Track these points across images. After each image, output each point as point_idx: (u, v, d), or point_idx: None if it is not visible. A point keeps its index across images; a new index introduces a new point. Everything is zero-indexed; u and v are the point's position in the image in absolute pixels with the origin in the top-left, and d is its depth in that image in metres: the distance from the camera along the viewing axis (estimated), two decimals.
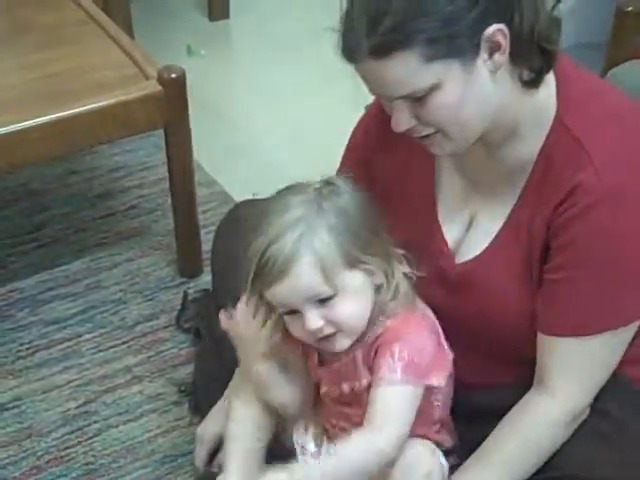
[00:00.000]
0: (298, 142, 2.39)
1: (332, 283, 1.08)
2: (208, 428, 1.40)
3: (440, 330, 1.18)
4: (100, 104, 1.65)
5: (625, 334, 1.13)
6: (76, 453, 1.58)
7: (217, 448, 1.38)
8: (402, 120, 1.08)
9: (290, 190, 1.14)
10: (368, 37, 1.01)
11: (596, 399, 1.15)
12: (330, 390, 1.22)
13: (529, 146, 1.12)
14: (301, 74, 2.72)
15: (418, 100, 1.05)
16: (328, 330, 1.11)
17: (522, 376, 1.18)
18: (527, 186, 1.14)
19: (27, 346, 1.78)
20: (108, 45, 1.84)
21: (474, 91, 1.05)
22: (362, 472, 1.11)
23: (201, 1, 3.06)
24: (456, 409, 1.25)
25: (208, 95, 2.53)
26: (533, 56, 1.07)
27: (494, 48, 1.04)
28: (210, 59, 2.81)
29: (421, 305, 1.19)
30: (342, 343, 1.14)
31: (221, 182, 2.23)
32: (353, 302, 1.11)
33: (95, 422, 1.63)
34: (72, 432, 1.61)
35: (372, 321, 1.15)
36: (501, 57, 1.04)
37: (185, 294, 1.86)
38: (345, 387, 1.19)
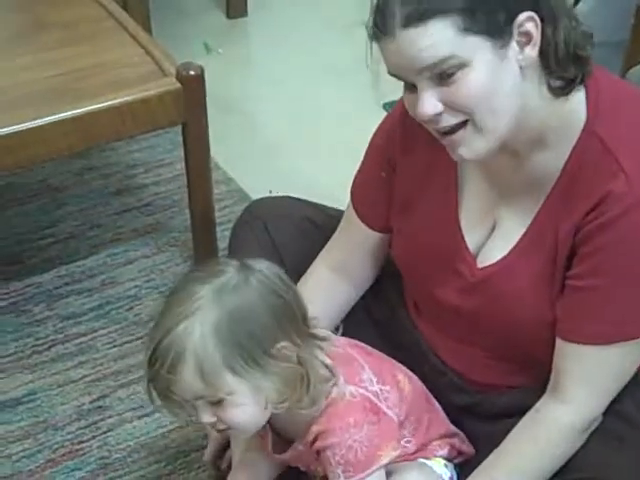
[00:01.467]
0: (315, 140, 2.39)
1: (214, 388, 1.05)
2: None
3: (379, 393, 1.15)
4: (119, 101, 1.66)
5: None
6: (90, 447, 1.59)
7: (227, 444, 1.39)
8: (429, 103, 1.04)
9: (205, 275, 1.09)
10: (403, 5, 1.00)
11: (613, 400, 1.14)
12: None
13: (556, 155, 1.11)
14: (318, 72, 2.72)
15: (447, 79, 1.02)
16: (221, 426, 1.10)
17: (538, 379, 1.17)
18: (552, 194, 1.13)
19: (43, 341, 1.79)
20: (127, 42, 1.85)
21: (503, 80, 1.04)
22: None
23: None
24: (474, 410, 1.26)
25: (225, 93, 2.54)
26: (567, 63, 1.06)
27: (525, 41, 1.03)
28: (227, 57, 2.81)
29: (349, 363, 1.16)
30: (241, 436, 1.19)
31: (237, 179, 2.23)
32: (241, 409, 1.07)
33: (109, 417, 1.64)
34: (87, 426, 1.62)
35: (301, 421, 1.12)
36: (532, 52, 1.04)
37: None
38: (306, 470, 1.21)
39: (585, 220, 1.08)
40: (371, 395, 1.13)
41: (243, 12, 3.02)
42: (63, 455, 1.57)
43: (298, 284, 1.36)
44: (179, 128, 1.79)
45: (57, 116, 1.62)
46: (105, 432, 1.61)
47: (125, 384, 1.70)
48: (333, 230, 1.39)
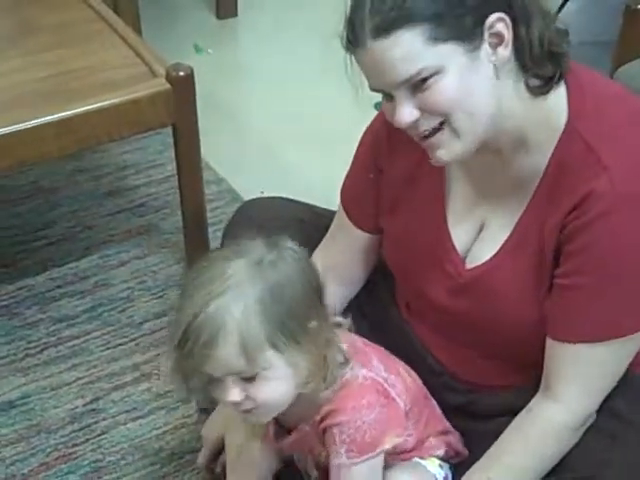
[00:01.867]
0: (306, 139, 2.40)
1: (253, 363, 1.04)
2: (211, 429, 1.41)
3: (387, 379, 1.16)
4: (109, 102, 1.65)
5: (635, 341, 1.12)
6: (84, 450, 1.58)
7: (221, 448, 1.38)
8: (405, 112, 1.06)
9: (229, 253, 1.08)
10: (372, 16, 1.01)
11: (605, 398, 1.14)
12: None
13: (539, 154, 1.11)
14: (309, 72, 2.72)
15: (421, 86, 1.03)
16: (247, 405, 1.09)
17: (531, 378, 1.18)
18: (537, 193, 1.13)
19: (35, 343, 1.79)
20: (117, 44, 1.85)
21: (478, 81, 1.04)
22: None
23: None
24: (468, 409, 1.26)
25: (216, 93, 2.53)
26: (543, 61, 1.07)
27: (497, 41, 1.04)
28: (217, 57, 2.81)
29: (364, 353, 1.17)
30: (262, 418, 1.15)
31: (229, 180, 2.23)
32: (274, 385, 1.07)
33: (103, 419, 1.64)
34: (80, 429, 1.62)
35: (313, 403, 1.13)
36: (505, 51, 1.04)
37: None
38: (309, 457, 1.21)
39: (568, 218, 1.09)
40: (382, 380, 1.15)
41: (233, 12, 3.02)
42: (57, 459, 1.57)
43: None
44: (170, 129, 1.79)
45: (48, 118, 1.62)
46: (99, 435, 1.61)
47: (119, 386, 1.70)
48: (325, 231, 1.40)
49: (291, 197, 1.57)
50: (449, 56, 1.02)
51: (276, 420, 1.20)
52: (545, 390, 1.15)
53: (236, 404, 1.08)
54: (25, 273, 1.95)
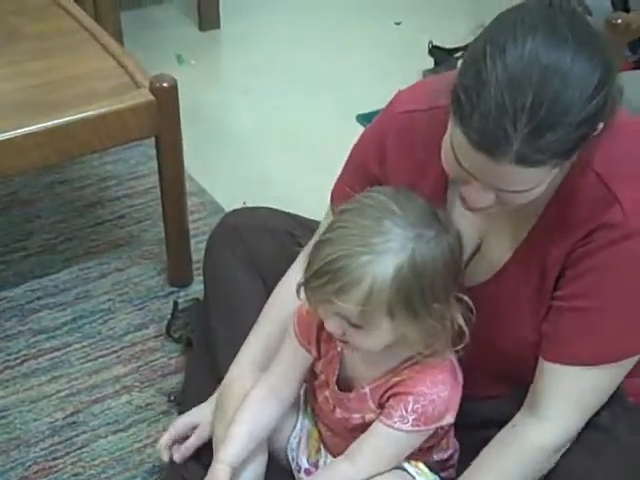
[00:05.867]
0: (288, 151, 2.40)
1: (364, 320, 1.07)
2: (187, 414, 1.40)
3: (456, 361, 1.18)
4: (92, 113, 1.65)
5: (626, 365, 1.12)
6: (64, 464, 1.57)
7: (187, 437, 1.38)
8: (484, 199, 1.03)
9: (397, 209, 1.07)
10: (523, 145, 0.93)
11: None
12: (342, 418, 1.23)
13: (548, 186, 1.07)
14: (291, 83, 2.72)
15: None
16: (341, 337, 1.12)
17: (520, 390, 1.17)
18: (541, 222, 1.12)
19: (15, 356, 1.77)
20: (100, 54, 1.84)
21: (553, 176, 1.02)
22: None
23: (191, 11, 3.07)
24: (457, 419, 1.26)
25: (198, 104, 2.53)
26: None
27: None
28: (200, 68, 2.81)
29: None
30: (352, 350, 1.16)
31: (211, 191, 2.23)
32: (371, 338, 1.10)
33: (83, 432, 1.62)
34: (60, 442, 1.60)
35: (397, 367, 1.16)
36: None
37: (175, 303, 1.86)
38: (356, 417, 1.21)
39: (576, 245, 1.08)
40: (454, 361, 1.17)
41: (216, 24, 3.03)
42: (36, 472, 1.55)
43: (276, 289, 1.37)
44: (152, 140, 1.78)
45: (30, 128, 1.61)
46: (79, 448, 1.59)
47: (99, 399, 1.68)
48: (308, 240, 1.39)
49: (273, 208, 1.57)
50: (556, 170, 1.00)
51: (338, 375, 1.22)
52: (531, 408, 1.14)
53: (334, 333, 1.12)
54: (4, 285, 1.93)
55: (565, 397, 1.12)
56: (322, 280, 1.05)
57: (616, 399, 1.15)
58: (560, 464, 1.14)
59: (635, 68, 2.31)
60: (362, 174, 1.27)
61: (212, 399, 1.39)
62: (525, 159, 0.94)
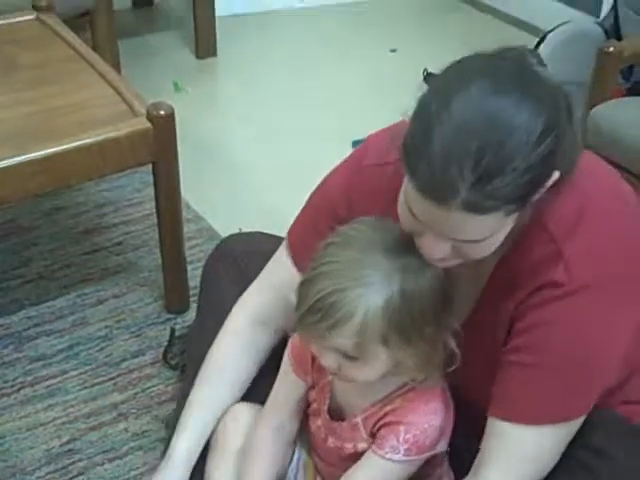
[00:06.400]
0: (285, 177, 2.41)
1: (359, 351, 1.07)
2: None
3: (447, 388, 1.18)
4: (89, 141, 1.65)
5: (569, 428, 1.11)
6: None
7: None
8: (440, 250, 1.03)
9: (383, 242, 1.08)
10: (470, 192, 0.93)
11: (579, 433, 1.13)
12: (335, 447, 1.23)
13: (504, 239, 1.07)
14: (287, 110, 2.74)
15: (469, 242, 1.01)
16: (336, 371, 1.13)
17: None
18: (494, 274, 1.13)
19: (11, 383, 1.77)
20: (97, 82, 1.86)
21: (512, 225, 1.03)
22: None
23: (188, 39, 3.09)
24: None
25: (195, 132, 2.55)
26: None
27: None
28: (197, 96, 2.83)
29: None
30: (345, 382, 1.17)
31: (207, 218, 2.23)
32: (368, 369, 1.10)
33: (80, 460, 1.62)
34: (57, 470, 1.59)
35: (388, 395, 1.16)
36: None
37: (172, 330, 1.86)
38: (348, 446, 1.21)
39: (523, 300, 1.09)
40: (444, 388, 1.17)
41: (212, 52, 3.06)
42: None
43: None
44: (148, 167, 1.79)
45: (27, 156, 1.61)
46: (75, 476, 1.59)
47: (96, 426, 1.68)
48: None
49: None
50: (511, 219, 1.00)
51: (329, 403, 1.23)
52: (476, 468, 1.14)
53: (327, 367, 1.12)
54: (1, 312, 1.93)
55: (506, 457, 1.11)
56: (316, 317, 1.06)
57: (611, 422, 1.16)
58: None
59: (628, 95, 2.33)
60: (330, 217, 1.26)
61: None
62: (474, 206, 0.95)
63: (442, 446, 1.17)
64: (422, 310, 1.07)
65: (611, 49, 2.09)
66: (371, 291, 1.05)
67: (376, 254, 1.07)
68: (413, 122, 0.99)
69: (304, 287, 1.08)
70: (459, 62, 1.01)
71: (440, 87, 0.98)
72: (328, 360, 1.11)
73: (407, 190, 1.01)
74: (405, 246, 1.08)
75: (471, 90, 0.94)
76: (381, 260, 1.06)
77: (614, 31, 2.57)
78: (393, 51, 3.13)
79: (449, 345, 1.11)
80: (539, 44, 2.60)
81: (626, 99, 2.22)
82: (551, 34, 2.60)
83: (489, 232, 1.00)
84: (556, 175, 0.99)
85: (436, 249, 1.04)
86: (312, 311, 1.06)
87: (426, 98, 0.99)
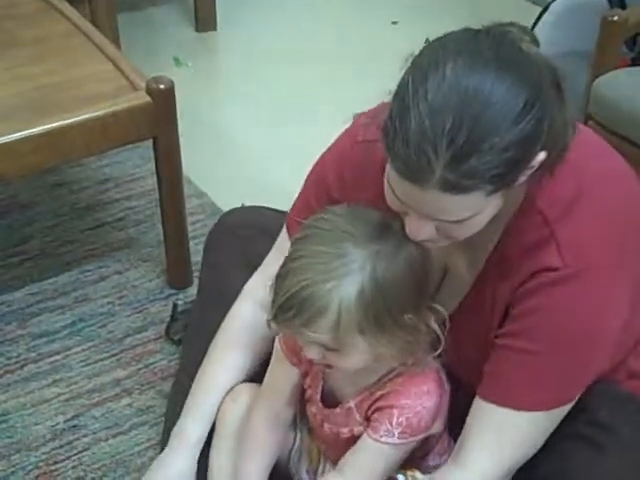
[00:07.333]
0: (285, 153, 2.40)
1: (338, 343, 1.07)
2: None
3: (441, 369, 1.17)
4: (89, 115, 1.64)
5: (556, 416, 1.11)
6: (65, 467, 1.56)
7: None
8: (425, 231, 1.02)
9: (349, 228, 1.06)
10: (446, 170, 0.91)
11: (584, 409, 1.13)
12: (331, 432, 1.23)
13: (496, 221, 1.06)
14: (288, 85, 2.72)
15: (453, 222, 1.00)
16: (321, 362, 1.12)
17: None
18: (491, 257, 1.12)
19: (15, 360, 1.77)
20: (96, 57, 1.85)
21: (498, 206, 1.01)
22: None
23: (188, 13, 3.07)
24: None
25: (195, 106, 2.53)
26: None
27: (531, 171, 0.98)
28: (197, 70, 2.81)
29: None
30: (333, 372, 1.17)
31: (209, 193, 2.22)
32: (350, 358, 1.10)
33: (84, 436, 1.62)
34: (61, 446, 1.60)
35: (379, 380, 1.16)
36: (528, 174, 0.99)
37: (174, 305, 1.86)
38: (344, 431, 1.21)
39: (520, 285, 1.08)
40: (439, 369, 1.16)
41: (212, 26, 3.03)
42: (37, 476, 1.55)
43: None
44: (149, 142, 1.78)
45: (27, 132, 1.61)
46: (80, 452, 1.59)
47: (100, 402, 1.68)
48: None
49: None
50: (494, 199, 0.98)
51: (322, 390, 1.23)
52: (455, 454, 1.14)
53: (313, 359, 1.12)
54: (4, 289, 1.93)
55: (486, 438, 1.10)
56: (289, 314, 1.05)
57: (614, 398, 1.15)
58: (566, 464, 1.13)
59: (633, 65, 2.31)
60: (324, 198, 1.25)
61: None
62: (451, 185, 0.93)
63: (437, 427, 1.16)
64: (397, 297, 1.06)
65: (615, 18, 2.07)
66: (342, 283, 1.03)
67: (345, 244, 1.04)
68: (392, 101, 0.97)
69: (276, 284, 1.07)
70: (439, 39, 0.98)
71: (418, 65, 0.96)
72: (311, 352, 1.10)
73: (388, 170, 1.00)
74: (378, 232, 1.06)
75: (447, 67, 0.92)
76: (351, 250, 1.04)
77: (619, 1, 2.54)
78: (395, 23, 3.10)
79: (433, 328, 1.10)
80: (543, 13, 2.57)
81: (631, 69, 2.20)
82: (555, 3, 2.56)
83: (470, 212, 0.98)
84: (542, 155, 0.96)
85: (420, 230, 1.02)
86: (284, 309, 1.05)
87: (405, 76, 0.97)
